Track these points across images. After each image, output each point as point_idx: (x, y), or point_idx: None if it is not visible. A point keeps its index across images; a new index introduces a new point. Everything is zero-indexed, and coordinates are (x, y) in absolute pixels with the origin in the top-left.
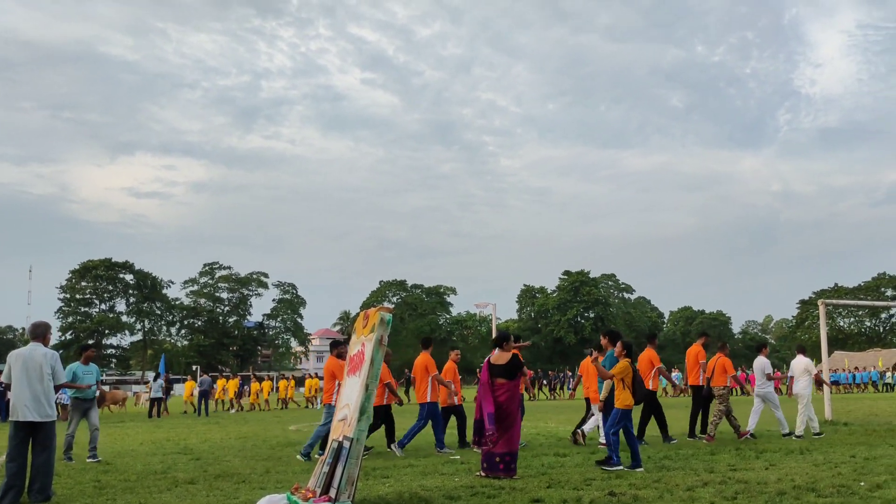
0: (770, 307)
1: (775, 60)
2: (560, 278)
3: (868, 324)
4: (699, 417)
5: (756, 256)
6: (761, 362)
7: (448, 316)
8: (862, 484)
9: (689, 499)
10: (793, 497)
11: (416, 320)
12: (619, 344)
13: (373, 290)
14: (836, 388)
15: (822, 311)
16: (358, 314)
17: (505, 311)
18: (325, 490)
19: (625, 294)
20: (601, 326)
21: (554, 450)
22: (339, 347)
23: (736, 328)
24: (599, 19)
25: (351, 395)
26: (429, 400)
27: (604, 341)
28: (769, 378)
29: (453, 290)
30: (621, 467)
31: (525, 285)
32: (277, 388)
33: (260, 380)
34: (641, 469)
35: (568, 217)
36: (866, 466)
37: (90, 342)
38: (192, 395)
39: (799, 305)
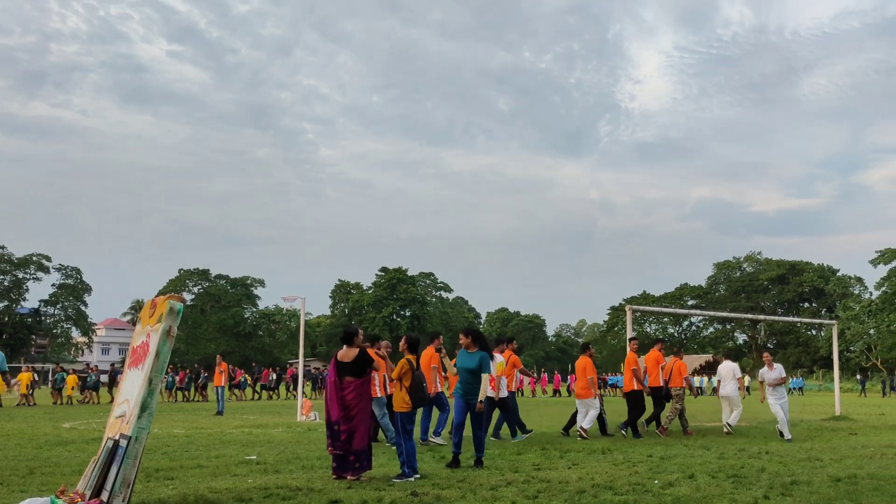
0: (583, 311)
1: (598, 73)
2: (377, 275)
3: (671, 331)
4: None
5: (573, 261)
6: (730, 366)
7: (255, 309)
8: (656, 482)
9: (492, 498)
10: (591, 495)
11: (219, 312)
12: (403, 339)
13: (171, 279)
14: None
15: (629, 316)
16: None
17: (317, 306)
18: (97, 493)
19: (443, 293)
20: (417, 325)
21: None
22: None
23: (550, 331)
24: (431, 14)
25: (132, 389)
26: (439, 390)
27: (465, 340)
28: (738, 380)
29: (261, 282)
30: (417, 476)
31: (340, 280)
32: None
33: None
34: (418, 476)
35: (390, 213)
36: (661, 465)
37: None
38: None
39: (610, 311)
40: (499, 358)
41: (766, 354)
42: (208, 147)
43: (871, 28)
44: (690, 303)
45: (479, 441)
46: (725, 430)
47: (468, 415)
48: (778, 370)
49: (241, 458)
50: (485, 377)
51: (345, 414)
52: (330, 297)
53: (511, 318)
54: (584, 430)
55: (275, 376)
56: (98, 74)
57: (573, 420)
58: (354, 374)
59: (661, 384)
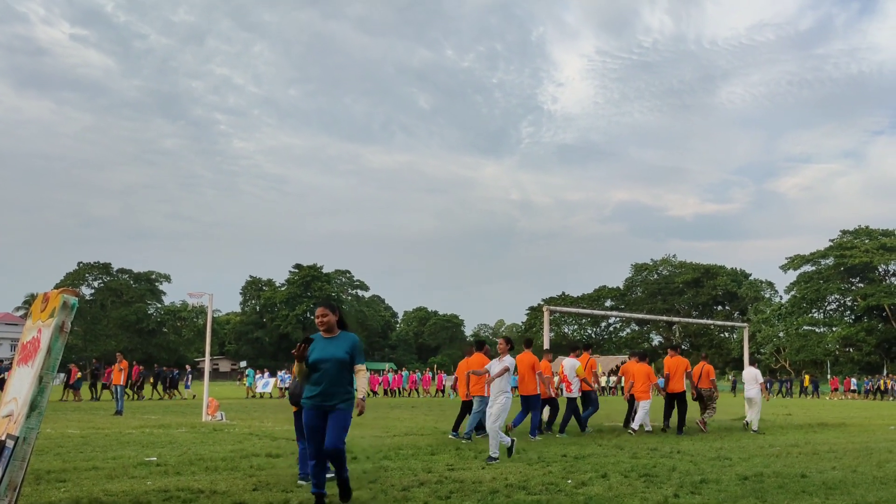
0: (502, 311)
1: (521, 74)
2: (290, 271)
3: (590, 331)
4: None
5: (492, 261)
6: (752, 372)
7: (160, 305)
8: (569, 481)
9: (404, 498)
10: (504, 495)
11: (121, 308)
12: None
13: (69, 272)
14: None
15: (546, 316)
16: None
17: (228, 303)
18: None
19: (359, 292)
20: None
21: (266, 450)
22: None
23: (468, 331)
24: (352, 8)
25: (21, 388)
26: (538, 392)
27: (328, 318)
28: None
29: (167, 278)
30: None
31: (251, 276)
32: None
33: None
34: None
35: (305, 209)
36: (575, 465)
37: None
38: None
39: (528, 311)
40: (576, 362)
41: (500, 341)
42: (113, 136)
43: (784, 41)
44: (608, 304)
45: (338, 461)
46: (744, 427)
47: (325, 433)
48: (506, 362)
49: (141, 459)
50: (362, 370)
51: None
52: (240, 293)
53: (429, 318)
54: (634, 430)
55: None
56: None
57: (630, 417)
58: None
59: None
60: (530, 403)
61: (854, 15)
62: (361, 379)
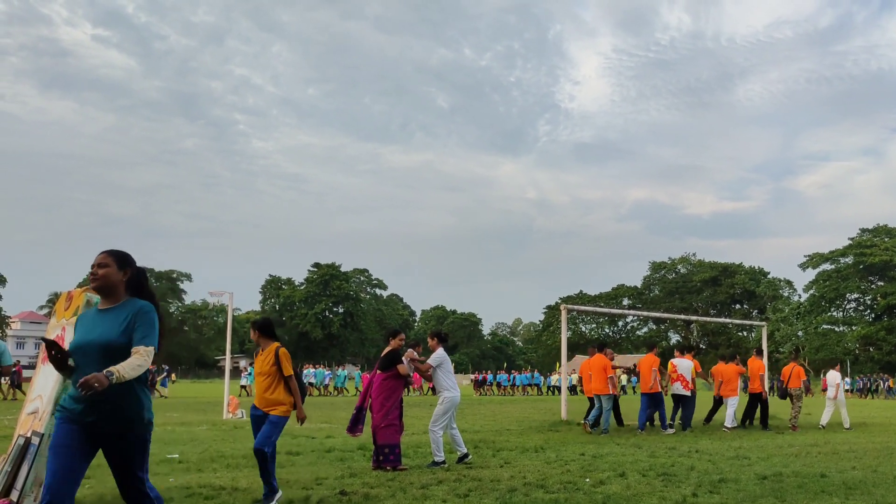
0: (519, 310)
1: (538, 73)
2: (309, 270)
3: (607, 330)
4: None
5: (509, 260)
6: (833, 375)
7: (180, 304)
8: (587, 480)
9: (423, 497)
10: (522, 494)
11: None
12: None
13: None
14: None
15: (563, 315)
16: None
17: (247, 301)
18: (6, 493)
19: (377, 290)
20: (350, 322)
21: (286, 448)
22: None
23: (486, 329)
24: (370, 7)
25: (45, 385)
26: (659, 390)
27: (109, 272)
28: (838, 387)
29: (188, 276)
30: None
31: (271, 275)
32: None
33: None
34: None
35: (324, 208)
36: (593, 464)
37: None
38: None
39: (545, 310)
40: (690, 363)
41: (429, 336)
42: (133, 136)
43: (803, 38)
44: (626, 303)
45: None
46: (821, 424)
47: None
48: (431, 359)
49: (163, 456)
50: (144, 355)
51: (374, 406)
52: (260, 292)
53: (447, 316)
54: (727, 427)
55: None
56: (18, 58)
57: (712, 413)
58: (382, 368)
59: (763, 389)
60: (654, 401)
61: (874, 11)
62: (131, 358)
